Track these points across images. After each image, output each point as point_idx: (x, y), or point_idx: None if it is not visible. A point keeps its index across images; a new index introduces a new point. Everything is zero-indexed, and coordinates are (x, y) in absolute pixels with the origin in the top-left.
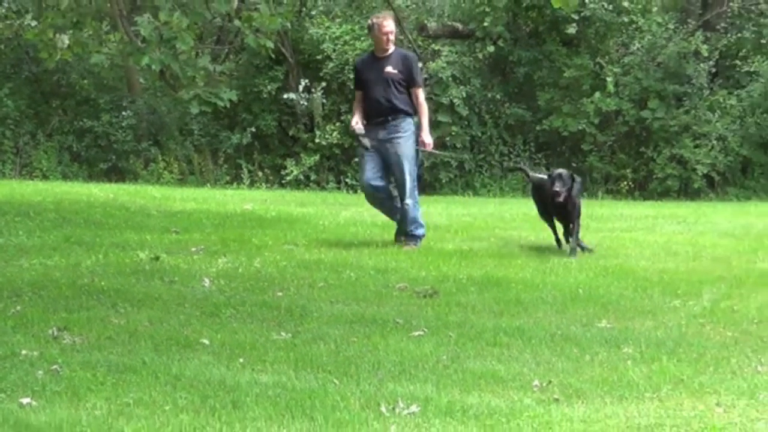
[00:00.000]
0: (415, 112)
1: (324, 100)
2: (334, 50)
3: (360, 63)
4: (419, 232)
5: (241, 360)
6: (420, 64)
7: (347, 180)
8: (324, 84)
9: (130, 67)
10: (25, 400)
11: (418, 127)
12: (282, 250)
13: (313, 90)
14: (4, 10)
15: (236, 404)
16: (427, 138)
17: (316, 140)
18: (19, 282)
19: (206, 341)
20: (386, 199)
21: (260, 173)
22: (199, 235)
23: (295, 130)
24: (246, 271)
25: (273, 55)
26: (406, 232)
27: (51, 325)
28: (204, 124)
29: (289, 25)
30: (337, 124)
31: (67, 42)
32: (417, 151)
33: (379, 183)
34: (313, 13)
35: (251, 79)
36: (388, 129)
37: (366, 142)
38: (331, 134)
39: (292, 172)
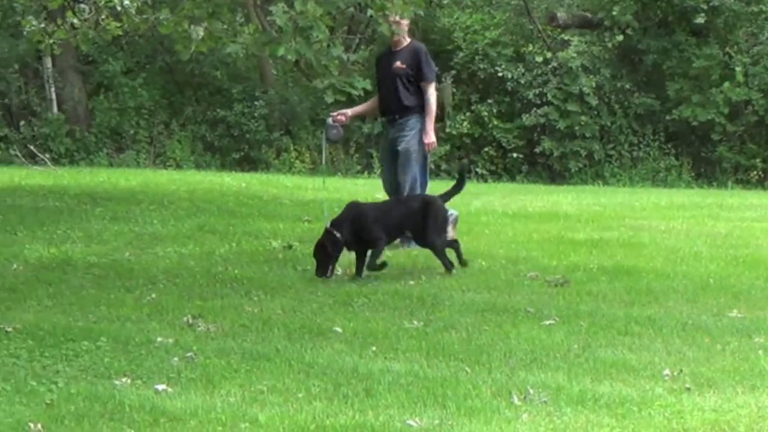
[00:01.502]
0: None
1: (454, 90)
2: (464, 40)
3: (378, 57)
4: None
5: (374, 348)
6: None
7: (477, 169)
8: (454, 73)
9: (263, 58)
10: (161, 387)
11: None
12: None
13: (443, 79)
14: (139, 4)
15: (369, 392)
16: (428, 138)
17: (447, 130)
18: (154, 270)
19: (339, 329)
20: None
21: None
22: None
23: None
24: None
25: None
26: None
27: (186, 312)
28: None
29: (421, 13)
30: (468, 113)
31: (201, 33)
32: (424, 150)
33: (396, 193)
34: (445, 1)
35: None
36: (396, 127)
37: (334, 133)
38: (461, 124)
39: None
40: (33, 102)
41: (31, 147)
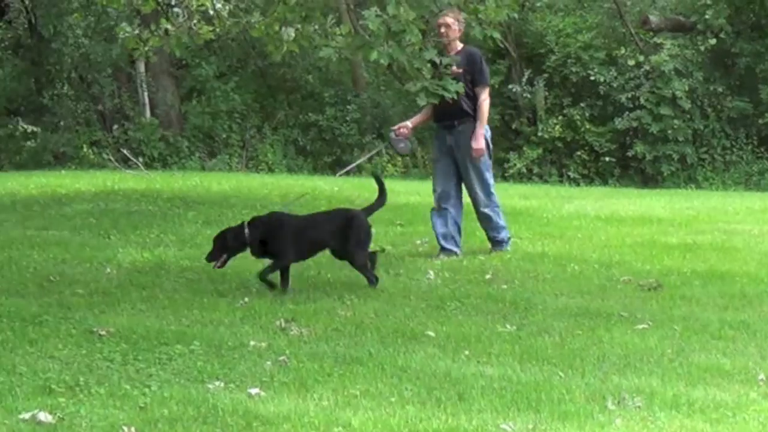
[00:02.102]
0: None
1: (546, 93)
2: (557, 43)
3: None
4: (502, 235)
5: (467, 352)
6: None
7: (569, 173)
8: (546, 77)
9: (356, 62)
10: (254, 390)
11: (486, 131)
12: None
13: (535, 83)
14: (231, 7)
15: (462, 396)
16: (477, 143)
17: (539, 133)
18: (246, 274)
19: (431, 333)
20: (449, 218)
21: None
22: (424, 228)
23: (518, 123)
24: (470, 263)
25: (500, 46)
26: (490, 239)
27: (279, 316)
28: None
29: (516, 16)
30: (560, 117)
31: (293, 34)
32: (489, 155)
33: (447, 202)
34: (538, 4)
35: None
36: (454, 134)
37: (402, 147)
38: (553, 128)
39: (515, 165)
40: (126, 106)
41: (124, 151)
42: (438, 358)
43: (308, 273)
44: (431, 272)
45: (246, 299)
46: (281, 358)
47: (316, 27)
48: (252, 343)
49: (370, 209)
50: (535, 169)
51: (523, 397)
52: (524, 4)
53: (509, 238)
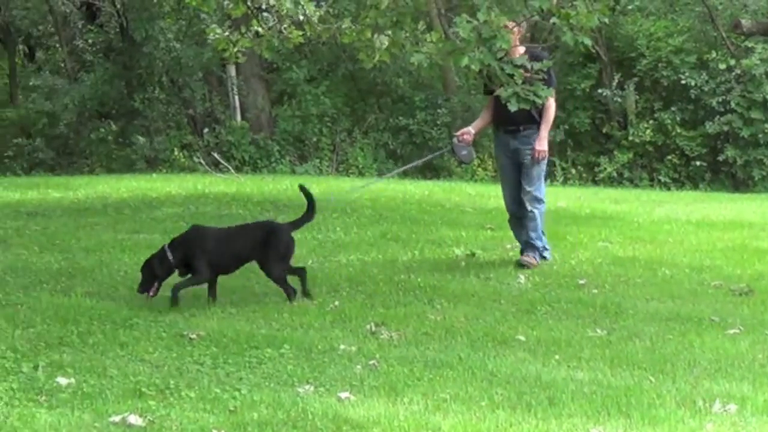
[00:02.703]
0: None
1: (637, 97)
2: (648, 47)
3: None
4: (539, 243)
5: (557, 356)
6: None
7: (660, 177)
8: (637, 81)
9: (446, 66)
10: (344, 395)
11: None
12: (596, 248)
13: (626, 87)
14: (322, 13)
15: (552, 401)
16: (540, 145)
17: (630, 137)
18: (337, 277)
19: (522, 338)
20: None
21: (573, 170)
22: None
23: (609, 127)
24: (561, 268)
25: (592, 50)
26: (526, 241)
27: (368, 320)
28: None
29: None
30: (651, 121)
31: (386, 43)
32: (546, 161)
33: (520, 209)
34: (630, 7)
35: (564, 77)
36: (519, 139)
37: (464, 155)
38: (644, 132)
39: (605, 169)
40: (217, 110)
41: (215, 154)
42: (528, 362)
43: (398, 277)
44: (522, 276)
45: (336, 303)
46: (371, 361)
47: (407, 33)
48: (342, 346)
49: (296, 223)
50: (626, 173)
51: (613, 401)
52: (615, 8)
53: (546, 249)
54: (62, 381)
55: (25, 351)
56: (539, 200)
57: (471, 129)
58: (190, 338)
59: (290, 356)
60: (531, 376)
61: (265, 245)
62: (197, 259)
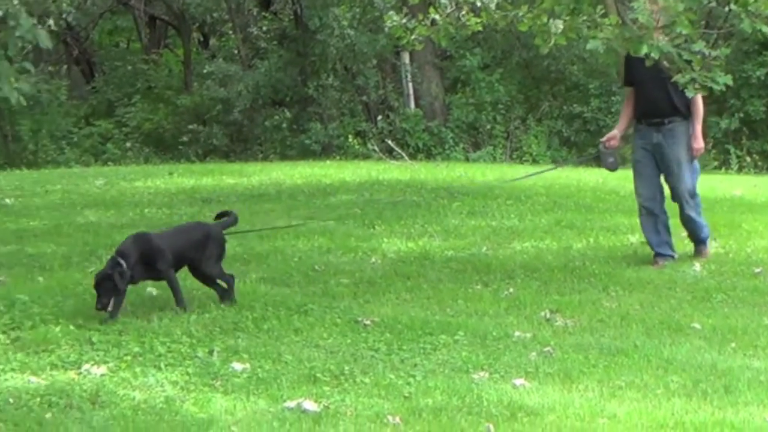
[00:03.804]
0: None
1: None
2: None
3: (632, 58)
4: (705, 233)
5: (733, 344)
6: None
7: None
8: None
9: (621, 53)
10: (519, 381)
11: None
12: None
13: None
14: (499, 0)
15: (728, 389)
16: (697, 143)
17: None
18: (511, 264)
19: (697, 326)
20: (659, 222)
21: (748, 158)
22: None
23: None
24: (736, 256)
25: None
26: (694, 240)
27: (543, 307)
28: None
29: None
30: None
31: (561, 27)
32: (693, 157)
33: (654, 204)
34: None
35: (739, 65)
36: (663, 132)
37: (611, 162)
38: None
39: None
40: (390, 97)
41: (389, 141)
42: (704, 350)
43: (573, 264)
44: (697, 264)
45: (511, 290)
46: (546, 349)
47: (584, 18)
48: (517, 333)
49: (225, 224)
50: None
51: None
52: None
53: (708, 238)
54: (237, 366)
55: (201, 336)
56: (693, 194)
57: (617, 132)
58: (365, 324)
59: (465, 343)
60: (707, 364)
61: (203, 245)
62: (163, 259)
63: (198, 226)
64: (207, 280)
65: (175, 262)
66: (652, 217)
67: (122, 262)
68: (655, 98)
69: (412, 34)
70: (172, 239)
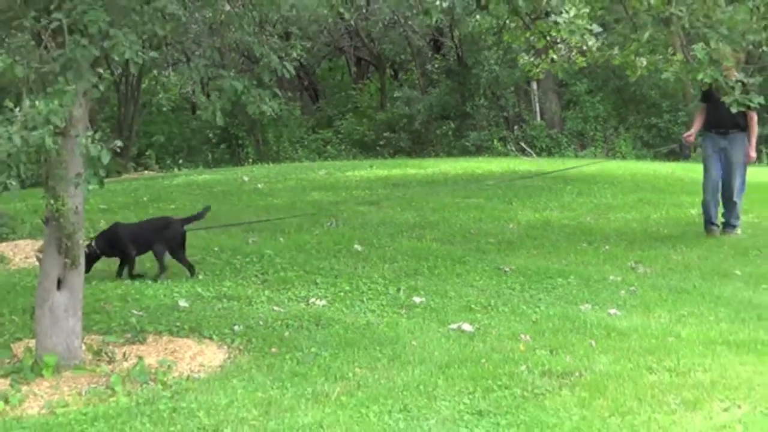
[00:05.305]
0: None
1: None
2: None
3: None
4: (737, 222)
5: (764, 286)
6: None
7: None
8: None
9: (686, 81)
10: (612, 311)
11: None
12: None
13: None
14: (599, 44)
15: (760, 317)
16: (752, 152)
17: None
18: (607, 229)
19: (738, 272)
20: (713, 204)
21: None
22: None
23: None
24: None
25: None
26: (728, 223)
27: (630, 259)
28: None
29: None
30: None
31: (644, 62)
32: (746, 161)
33: (713, 191)
34: None
35: None
36: (728, 139)
37: (685, 154)
38: None
39: None
40: (523, 113)
41: (522, 143)
42: (743, 289)
43: (651, 229)
44: (739, 230)
45: (607, 247)
46: (631, 288)
47: (660, 56)
48: (611, 277)
49: (188, 219)
50: None
51: None
52: None
53: (738, 222)
54: (416, 299)
55: (391, 278)
56: (742, 193)
57: (693, 131)
58: (505, 271)
59: (574, 284)
60: (745, 299)
61: (161, 234)
62: (126, 246)
63: (162, 220)
64: (156, 257)
65: (142, 246)
66: (709, 199)
67: (93, 244)
68: (723, 115)
69: (538, 68)
70: (138, 229)
